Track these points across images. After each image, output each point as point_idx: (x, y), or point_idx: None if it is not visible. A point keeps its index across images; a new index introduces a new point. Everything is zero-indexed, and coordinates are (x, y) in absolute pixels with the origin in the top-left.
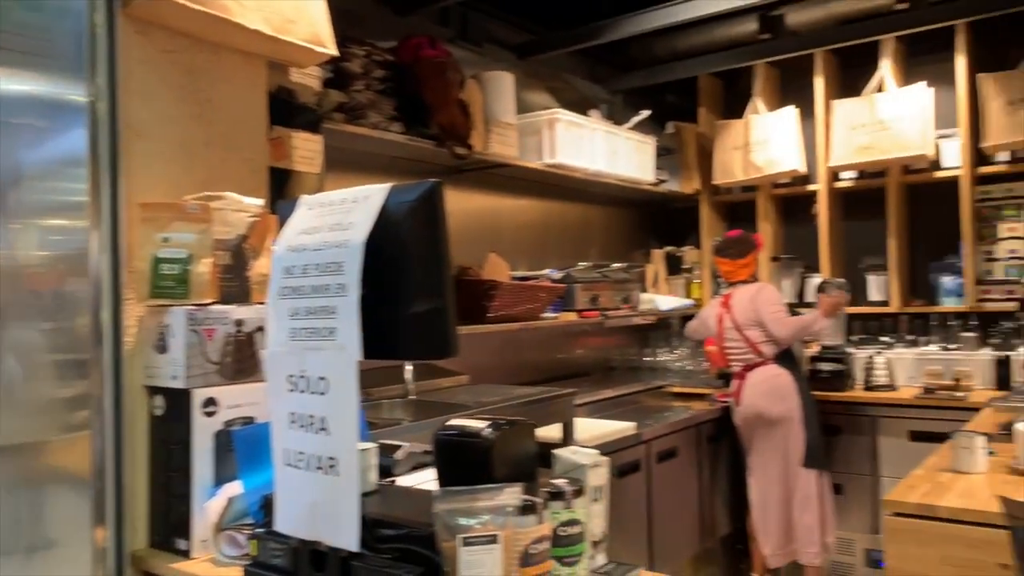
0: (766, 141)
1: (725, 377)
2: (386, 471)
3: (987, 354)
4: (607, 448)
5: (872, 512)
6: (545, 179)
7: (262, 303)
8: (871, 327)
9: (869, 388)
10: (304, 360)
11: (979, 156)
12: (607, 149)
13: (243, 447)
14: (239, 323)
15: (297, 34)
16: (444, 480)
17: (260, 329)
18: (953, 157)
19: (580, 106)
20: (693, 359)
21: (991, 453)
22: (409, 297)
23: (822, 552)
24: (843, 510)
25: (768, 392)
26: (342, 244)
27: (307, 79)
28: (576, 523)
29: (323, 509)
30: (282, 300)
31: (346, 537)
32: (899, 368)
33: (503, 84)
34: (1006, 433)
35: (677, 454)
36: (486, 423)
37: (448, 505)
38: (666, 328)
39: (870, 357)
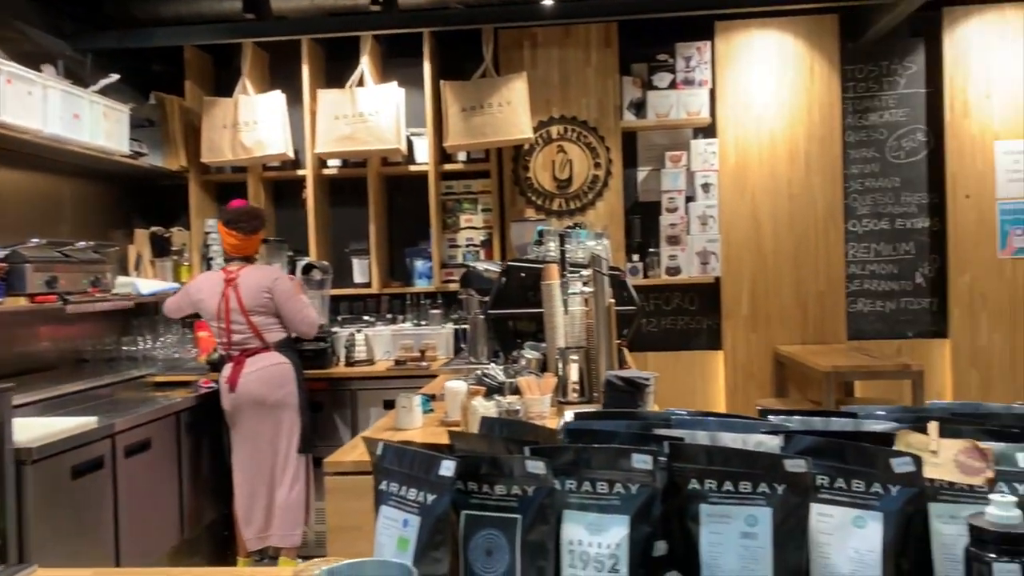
0: (255, 123)
1: (215, 363)
2: None
3: (449, 328)
4: (60, 447)
5: None
6: None
7: None
8: (356, 307)
9: (350, 364)
10: None
11: (443, 154)
12: (66, 112)
13: None
14: None
15: None
16: None
17: None
18: (423, 153)
19: (38, 60)
20: (181, 346)
21: (429, 411)
22: None
23: (302, 532)
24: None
25: (268, 379)
26: None
27: None
28: None
29: None
30: None
31: None
32: (377, 344)
33: None
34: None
35: (151, 446)
36: None
37: None
38: (152, 314)
39: (351, 334)
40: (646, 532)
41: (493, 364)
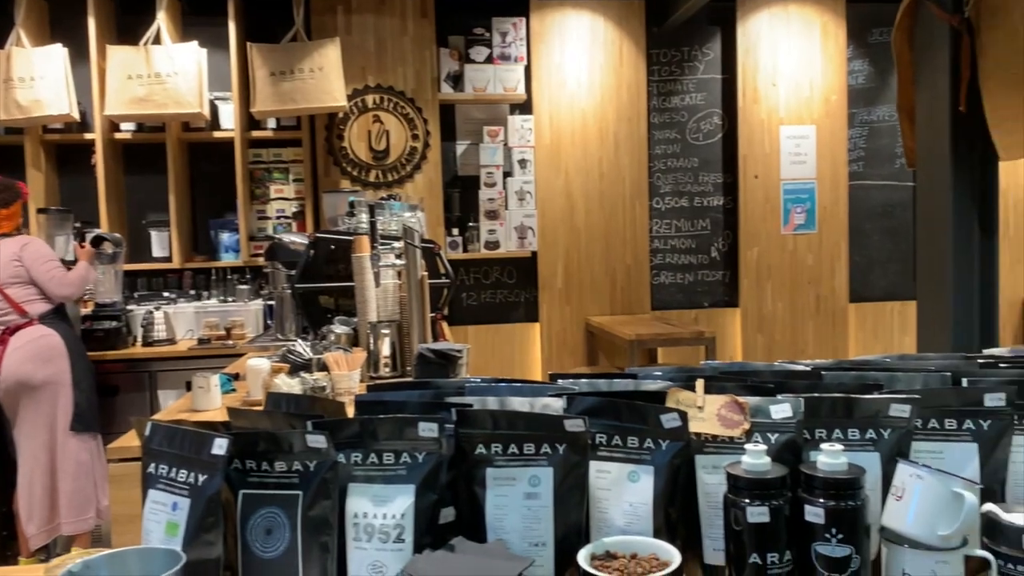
0: (31, 79)
1: None
2: None
3: (258, 304)
4: None
5: None
6: None
7: None
8: (155, 283)
9: (148, 344)
10: None
11: (251, 121)
12: None
13: None
14: None
15: None
16: None
17: None
18: (229, 119)
19: None
20: None
21: (231, 391)
22: None
23: (96, 517)
24: None
25: (33, 355)
26: None
27: None
28: None
29: None
30: None
31: None
32: (179, 322)
33: None
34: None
35: None
36: None
37: None
38: None
39: (149, 312)
40: (432, 500)
41: (300, 340)
